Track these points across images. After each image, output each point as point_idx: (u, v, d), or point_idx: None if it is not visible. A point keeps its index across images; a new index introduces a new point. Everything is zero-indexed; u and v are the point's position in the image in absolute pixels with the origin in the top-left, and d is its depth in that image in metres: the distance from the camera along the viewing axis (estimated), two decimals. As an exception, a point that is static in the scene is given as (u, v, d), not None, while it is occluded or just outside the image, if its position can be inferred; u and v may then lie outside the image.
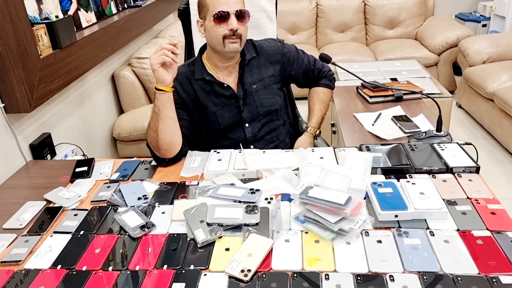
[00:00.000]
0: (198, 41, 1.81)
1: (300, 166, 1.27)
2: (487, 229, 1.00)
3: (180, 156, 1.43)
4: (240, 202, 1.15)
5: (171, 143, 1.38)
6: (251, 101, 1.53)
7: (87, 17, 2.22)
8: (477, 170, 1.22)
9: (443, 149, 1.32)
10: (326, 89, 1.70)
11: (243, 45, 1.45)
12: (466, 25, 4.01)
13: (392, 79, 2.88)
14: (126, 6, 2.77)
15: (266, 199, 1.16)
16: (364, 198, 1.13)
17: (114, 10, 2.57)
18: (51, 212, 1.20)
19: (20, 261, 1.02)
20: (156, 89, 1.33)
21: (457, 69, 3.73)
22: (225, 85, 1.49)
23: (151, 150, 1.42)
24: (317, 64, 1.68)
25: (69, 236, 1.09)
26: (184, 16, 1.80)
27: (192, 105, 1.51)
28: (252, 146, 1.55)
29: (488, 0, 4.11)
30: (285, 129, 1.68)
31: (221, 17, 1.38)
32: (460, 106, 3.47)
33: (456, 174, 1.22)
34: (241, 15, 1.40)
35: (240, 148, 1.41)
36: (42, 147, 1.68)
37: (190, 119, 1.51)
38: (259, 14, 1.81)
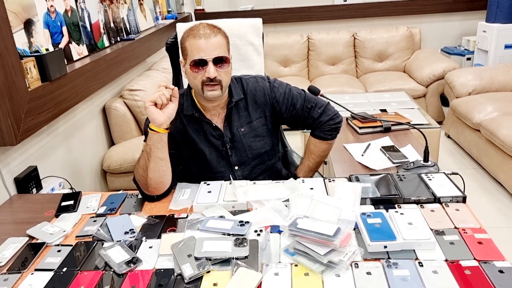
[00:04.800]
0: (187, 74, 1.83)
1: (290, 197, 1.26)
2: (474, 259, 1.00)
3: (169, 192, 1.41)
4: (229, 234, 1.13)
5: (160, 182, 1.35)
6: (239, 144, 1.49)
7: (78, 50, 2.24)
8: (463, 199, 1.23)
9: (430, 179, 1.32)
10: (317, 141, 1.57)
11: (225, 90, 1.41)
12: (451, 58, 4.13)
13: (381, 110, 2.93)
14: (119, 39, 2.81)
15: (256, 231, 1.15)
16: (354, 229, 1.12)
17: (106, 43, 2.61)
18: (33, 249, 1.17)
19: (-3, 300, 0.98)
20: (150, 128, 1.30)
21: (444, 100, 3.80)
22: (214, 124, 1.46)
23: (138, 186, 1.38)
24: (313, 112, 1.52)
25: (51, 274, 1.05)
26: (172, 50, 1.84)
27: (180, 138, 1.48)
28: None
29: (472, 35, 4.25)
30: (279, 165, 1.64)
31: (199, 64, 1.34)
32: (449, 137, 3.52)
33: (443, 204, 1.22)
34: (220, 61, 1.35)
35: (231, 180, 1.40)
36: (28, 181, 1.65)
37: (178, 152, 1.48)
38: (247, 48, 1.85)
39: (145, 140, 1.42)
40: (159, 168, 1.32)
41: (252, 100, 1.50)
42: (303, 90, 1.56)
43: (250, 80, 1.52)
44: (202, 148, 1.48)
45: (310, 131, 1.59)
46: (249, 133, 1.49)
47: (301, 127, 1.58)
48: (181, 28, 1.80)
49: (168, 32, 3.59)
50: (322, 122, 1.53)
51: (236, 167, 1.51)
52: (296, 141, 3.62)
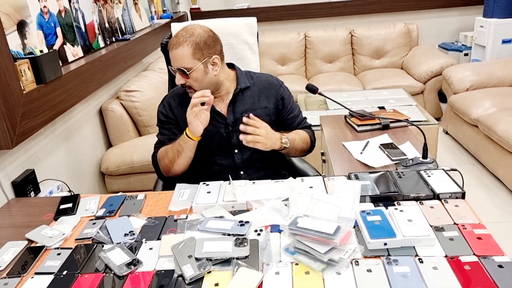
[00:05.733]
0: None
1: (290, 196, 1.26)
2: (474, 254, 1.00)
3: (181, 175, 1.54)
4: (229, 235, 1.13)
5: (181, 171, 1.52)
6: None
7: (73, 51, 2.23)
8: (462, 195, 1.23)
9: (429, 176, 1.32)
10: (307, 135, 1.65)
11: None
12: (449, 54, 4.13)
13: (379, 107, 2.93)
14: (114, 39, 2.80)
15: (256, 231, 1.15)
16: (354, 227, 1.12)
17: (101, 44, 2.60)
18: (33, 252, 1.16)
19: (-2, 304, 0.97)
20: (187, 135, 1.44)
21: (442, 97, 3.81)
22: (216, 110, 1.53)
23: (157, 168, 1.56)
24: (301, 114, 1.69)
25: (51, 277, 1.05)
26: (167, 50, 1.83)
27: (185, 125, 1.50)
28: (242, 172, 1.57)
29: (469, 30, 4.25)
30: (275, 162, 1.67)
31: (173, 72, 1.47)
32: (447, 133, 3.52)
33: (442, 200, 1.22)
34: (183, 71, 1.42)
35: (230, 179, 1.40)
36: (25, 184, 1.64)
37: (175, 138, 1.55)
38: (242, 46, 1.88)
39: (157, 124, 1.61)
40: (185, 163, 1.49)
41: (259, 91, 1.58)
42: None
43: (259, 74, 1.64)
44: (204, 130, 1.51)
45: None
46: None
47: (291, 127, 1.64)
48: (176, 28, 1.81)
49: (164, 31, 3.58)
50: (309, 126, 1.70)
51: (236, 150, 1.57)
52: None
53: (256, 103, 1.57)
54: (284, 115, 1.63)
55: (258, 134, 1.41)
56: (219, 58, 1.47)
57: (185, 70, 1.42)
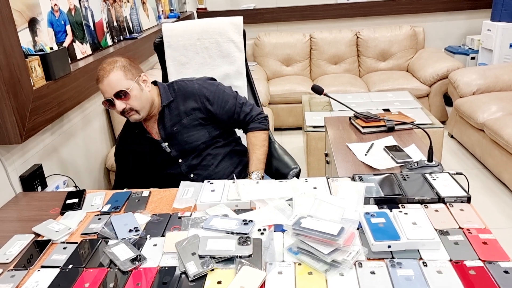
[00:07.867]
0: (172, 71, 1.96)
1: (294, 196, 1.27)
2: (479, 259, 1.00)
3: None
4: (232, 233, 1.13)
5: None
6: (176, 141, 1.64)
7: (82, 49, 2.25)
8: (468, 199, 1.23)
9: (434, 179, 1.32)
10: (256, 132, 1.72)
11: (144, 112, 1.57)
12: (455, 57, 4.11)
13: (384, 109, 2.94)
14: (122, 38, 2.82)
15: (259, 230, 1.15)
16: (358, 229, 1.12)
17: (109, 42, 2.62)
18: (39, 246, 1.18)
19: (4, 296, 0.99)
20: None
21: (448, 100, 3.80)
22: (148, 134, 1.65)
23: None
24: (245, 108, 1.70)
25: (57, 271, 1.07)
26: (159, 48, 1.95)
27: (131, 154, 1.71)
28: (192, 175, 1.67)
29: (476, 34, 4.23)
30: (225, 150, 1.72)
31: (109, 104, 1.53)
32: (452, 136, 3.51)
33: (447, 204, 1.22)
34: (122, 95, 1.50)
35: (234, 178, 1.41)
36: (33, 179, 1.66)
37: (132, 167, 1.74)
38: (227, 45, 1.94)
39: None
40: None
41: (182, 100, 1.65)
42: (235, 91, 1.73)
43: (179, 83, 1.68)
44: (148, 157, 1.68)
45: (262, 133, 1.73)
46: (181, 130, 1.64)
47: (236, 124, 1.72)
48: (167, 28, 1.93)
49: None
50: (254, 116, 1.72)
51: (180, 160, 1.67)
52: (297, 140, 3.62)
53: (182, 114, 1.63)
54: (219, 112, 1.65)
55: None
56: (146, 76, 1.59)
57: (125, 90, 1.50)
